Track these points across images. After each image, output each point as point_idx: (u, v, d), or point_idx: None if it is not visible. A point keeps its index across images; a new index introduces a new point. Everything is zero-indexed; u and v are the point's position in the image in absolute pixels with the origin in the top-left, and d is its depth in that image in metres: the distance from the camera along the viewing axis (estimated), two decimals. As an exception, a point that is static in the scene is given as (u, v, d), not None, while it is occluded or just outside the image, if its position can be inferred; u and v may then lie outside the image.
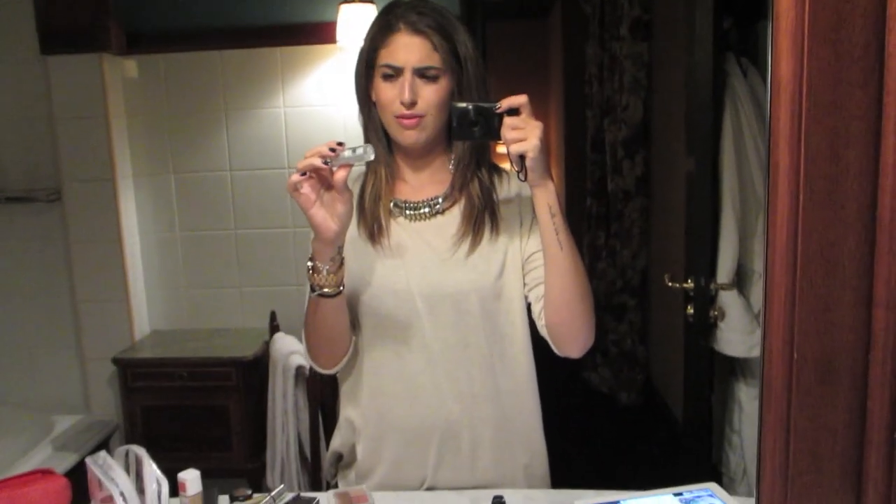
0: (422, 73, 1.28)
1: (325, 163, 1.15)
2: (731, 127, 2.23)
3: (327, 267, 1.24)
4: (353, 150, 1.16)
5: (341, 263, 1.26)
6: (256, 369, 2.67)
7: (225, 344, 2.81)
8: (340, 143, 1.15)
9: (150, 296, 2.96)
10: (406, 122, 1.29)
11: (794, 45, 0.59)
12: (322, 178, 1.18)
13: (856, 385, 0.62)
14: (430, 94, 1.28)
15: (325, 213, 1.19)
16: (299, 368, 2.46)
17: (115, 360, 2.69)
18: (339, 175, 1.16)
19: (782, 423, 0.64)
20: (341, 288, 1.28)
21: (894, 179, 0.59)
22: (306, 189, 1.17)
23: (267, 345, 2.68)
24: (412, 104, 1.28)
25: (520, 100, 1.20)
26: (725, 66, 2.26)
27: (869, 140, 0.59)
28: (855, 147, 0.59)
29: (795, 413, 0.63)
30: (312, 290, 1.28)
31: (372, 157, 1.17)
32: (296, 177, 1.16)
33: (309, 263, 1.26)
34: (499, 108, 1.21)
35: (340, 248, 1.25)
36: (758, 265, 2.30)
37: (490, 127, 1.21)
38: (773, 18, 0.60)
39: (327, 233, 1.20)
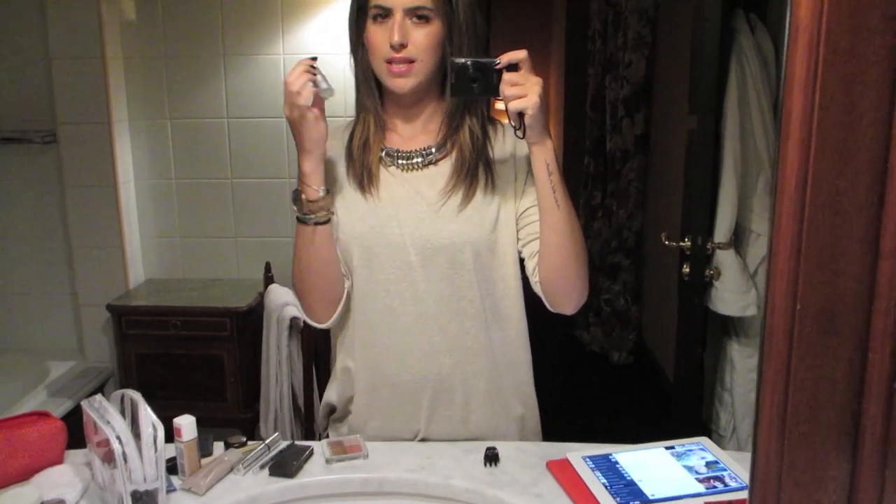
0: (412, 14, 1.25)
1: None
2: (736, 85, 2.21)
3: (315, 187, 1.27)
4: (324, 78, 1.23)
5: (327, 190, 1.29)
6: (251, 320, 2.67)
7: (219, 294, 2.81)
8: (314, 58, 1.23)
9: (144, 243, 2.95)
10: (395, 68, 1.27)
11: (813, -13, 0.57)
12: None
13: (857, 336, 0.62)
14: (420, 38, 1.26)
15: (314, 125, 1.24)
16: (293, 320, 2.46)
17: (110, 307, 2.69)
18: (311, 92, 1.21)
19: (782, 373, 0.64)
20: (331, 213, 1.31)
21: (908, 129, 0.58)
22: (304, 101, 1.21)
23: (261, 296, 2.68)
24: (401, 46, 1.25)
25: (519, 55, 1.18)
26: (734, 23, 2.22)
27: (884, 88, 0.58)
28: (869, 95, 0.58)
29: (795, 363, 0.63)
30: (304, 220, 1.29)
31: (331, 96, 1.23)
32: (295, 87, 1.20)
33: (296, 193, 1.29)
34: (498, 63, 1.18)
35: (323, 172, 1.28)
36: (756, 225, 2.29)
37: (489, 83, 1.19)
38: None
39: (316, 153, 1.25)
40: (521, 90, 1.17)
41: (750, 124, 2.24)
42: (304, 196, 1.28)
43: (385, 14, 1.26)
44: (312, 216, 1.29)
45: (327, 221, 1.30)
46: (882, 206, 0.60)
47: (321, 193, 1.28)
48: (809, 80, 0.58)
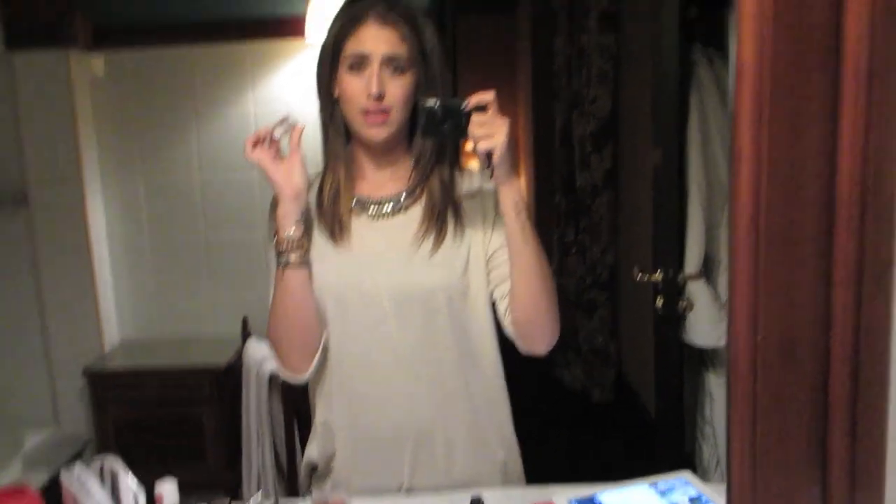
0: (389, 64, 1.27)
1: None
2: (697, 117, 2.26)
3: (290, 232, 1.28)
4: (279, 126, 1.28)
5: (304, 233, 1.30)
6: (230, 377, 2.64)
7: (197, 352, 2.78)
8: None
9: (119, 303, 2.92)
10: (372, 118, 1.29)
11: (756, 28, 0.60)
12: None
13: (818, 362, 0.63)
14: (396, 88, 1.28)
15: (285, 171, 1.26)
16: (273, 375, 2.44)
17: (86, 372, 2.65)
18: (292, 136, 1.27)
19: (748, 403, 0.65)
20: (304, 260, 1.31)
21: (852, 161, 0.60)
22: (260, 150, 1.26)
23: (240, 352, 2.66)
24: (380, 97, 1.27)
25: (487, 97, 1.20)
26: (692, 56, 2.28)
27: (827, 122, 0.60)
28: (814, 129, 0.60)
29: (761, 392, 0.64)
30: (279, 263, 1.30)
31: (297, 124, 1.28)
32: (249, 142, 1.26)
33: (274, 237, 1.31)
34: (466, 105, 1.21)
35: (302, 216, 1.30)
36: (724, 255, 2.32)
37: (458, 124, 1.22)
38: (736, 3, 0.61)
39: (289, 187, 1.26)
40: (489, 130, 1.19)
41: (713, 155, 2.28)
42: (275, 238, 1.30)
43: (362, 64, 1.28)
44: (283, 257, 1.29)
45: (300, 266, 1.30)
46: (832, 237, 0.61)
47: (288, 234, 1.29)
48: (756, 117, 0.60)
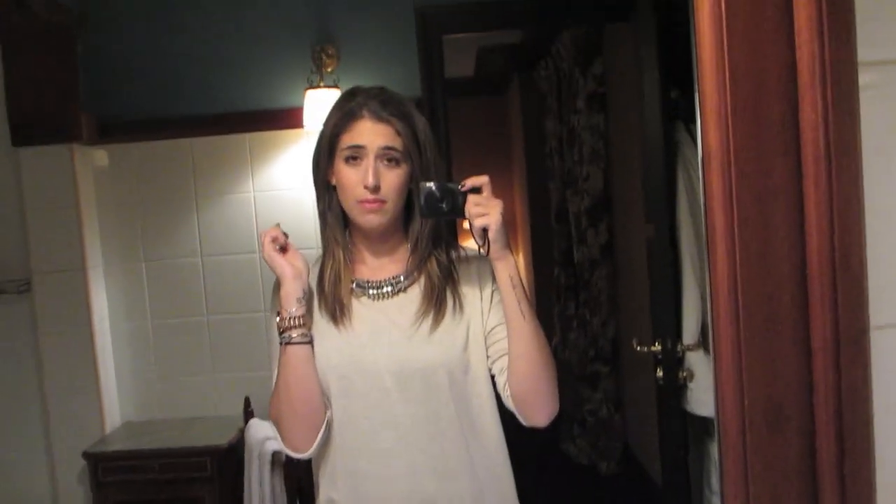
0: (384, 157, 1.33)
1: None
2: (685, 192, 2.32)
3: (293, 309, 1.33)
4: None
5: (305, 312, 1.35)
6: (232, 458, 2.63)
7: (199, 433, 2.78)
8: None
9: (121, 386, 2.93)
10: (369, 206, 1.34)
11: (718, 119, 0.65)
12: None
13: (803, 426, 0.67)
14: (392, 179, 1.34)
15: (283, 259, 1.34)
16: (275, 454, 2.44)
17: (86, 455, 2.64)
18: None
19: (740, 467, 0.67)
20: (309, 338, 1.35)
21: (819, 237, 0.65)
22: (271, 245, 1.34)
23: (242, 432, 2.66)
24: (376, 188, 1.32)
25: (482, 179, 1.28)
26: (676, 135, 2.37)
27: (793, 203, 0.65)
28: (781, 209, 0.65)
29: (751, 458, 0.67)
30: (282, 341, 1.33)
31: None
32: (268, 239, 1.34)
33: (277, 318, 1.35)
34: (463, 186, 1.28)
35: (305, 294, 1.35)
36: (722, 325, 2.35)
37: (455, 204, 1.29)
38: (699, 96, 0.67)
39: (290, 268, 1.33)
40: (484, 209, 1.26)
41: (703, 227, 2.34)
42: (278, 317, 1.34)
43: (358, 156, 1.34)
44: (285, 335, 1.33)
45: (301, 343, 1.34)
46: (807, 307, 0.65)
47: (290, 312, 1.33)
48: (726, 199, 0.65)
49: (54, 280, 2.77)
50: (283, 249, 1.35)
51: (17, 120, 2.71)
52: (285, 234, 1.36)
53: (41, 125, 2.71)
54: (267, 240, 1.33)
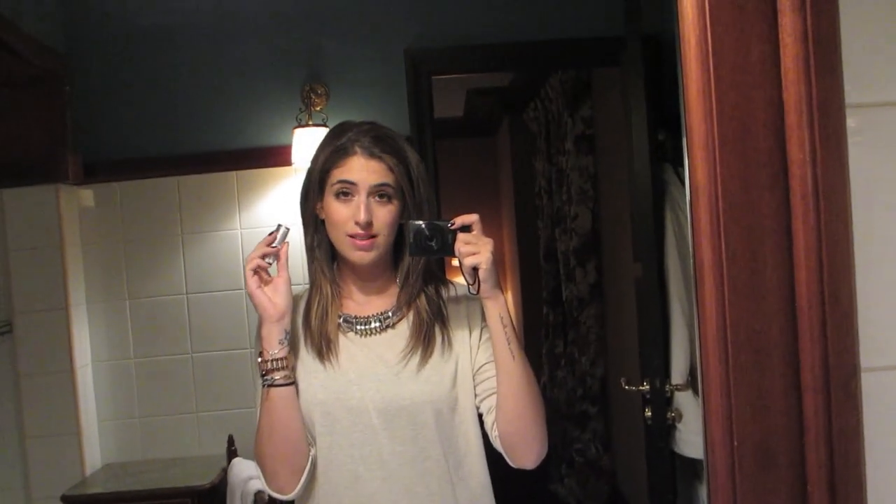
0: (376, 193, 1.32)
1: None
2: (672, 232, 2.33)
3: (274, 351, 1.30)
4: (273, 234, 1.33)
5: (289, 352, 1.32)
6: (214, 498, 2.58)
7: (181, 473, 2.72)
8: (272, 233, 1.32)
9: (102, 427, 2.87)
10: (360, 241, 1.32)
11: (706, 155, 0.65)
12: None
13: (794, 468, 0.65)
14: (383, 215, 1.33)
15: (269, 295, 1.30)
16: (258, 494, 2.38)
17: (64, 498, 2.58)
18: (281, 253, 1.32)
19: (730, 510, 0.66)
20: (292, 379, 1.32)
21: (808, 272, 0.64)
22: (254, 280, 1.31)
23: (225, 471, 2.61)
24: (368, 225, 1.31)
25: (471, 218, 1.27)
26: (664, 176, 2.38)
27: (781, 237, 0.65)
28: (769, 243, 0.65)
29: (741, 500, 0.65)
30: (263, 382, 1.31)
31: (289, 227, 1.33)
32: (249, 273, 1.30)
33: (259, 359, 1.32)
34: (452, 224, 1.27)
35: (287, 336, 1.32)
36: (711, 365, 2.34)
37: (444, 243, 1.28)
38: (686, 131, 0.67)
39: (273, 309, 1.29)
40: (475, 248, 1.25)
41: (692, 268, 2.34)
42: (259, 358, 1.32)
43: (349, 192, 1.33)
44: (268, 378, 1.30)
45: (284, 385, 1.31)
46: (797, 343, 0.65)
47: (273, 353, 1.30)
48: (714, 234, 0.65)
49: (36, 320, 2.72)
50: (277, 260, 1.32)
51: (2, 161, 2.68)
52: (276, 251, 1.32)
53: (28, 167, 2.69)
54: (249, 273, 1.30)
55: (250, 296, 1.30)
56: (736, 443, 0.65)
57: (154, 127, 2.91)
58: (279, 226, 1.33)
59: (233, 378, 2.87)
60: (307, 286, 1.44)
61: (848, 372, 0.67)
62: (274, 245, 1.32)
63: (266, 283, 1.31)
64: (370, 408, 1.33)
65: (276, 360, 1.31)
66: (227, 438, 2.67)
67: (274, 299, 1.30)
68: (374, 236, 1.33)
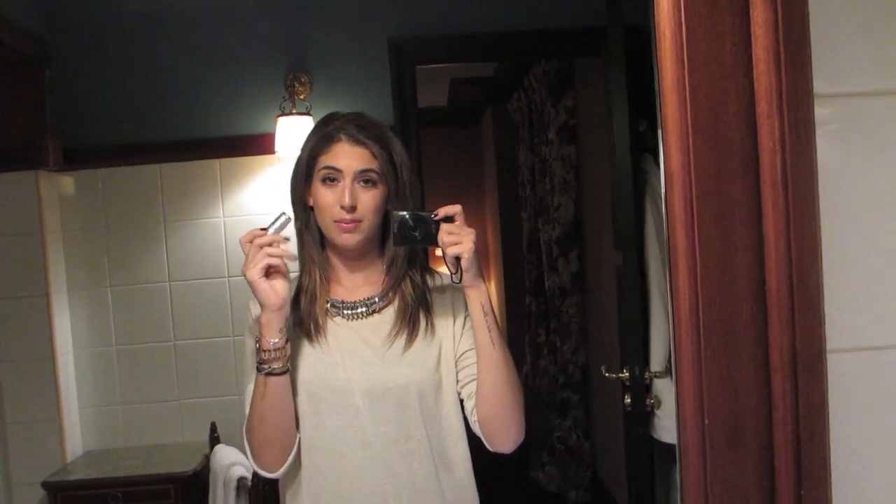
0: (361, 178, 1.35)
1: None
2: (652, 221, 2.36)
3: (275, 340, 1.30)
4: (273, 224, 1.30)
5: (287, 340, 1.33)
6: (197, 484, 2.59)
7: (163, 460, 2.73)
8: (264, 229, 1.29)
9: (83, 414, 2.87)
10: (345, 225, 1.35)
11: (680, 143, 0.67)
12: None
13: (762, 446, 0.68)
14: (368, 200, 1.36)
15: (269, 285, 1.28)
16: (241, 480, 2.41)
17: (45, 484, 2.58)
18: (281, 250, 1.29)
19: (700, 487, 0.68)
20: (288, 367, 1.33)
21: (777, 257, 0.67)
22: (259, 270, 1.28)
23: (207, 458, 2.62)
24: (352, 208, 1.34)
25: (455, 209, 1.31)
26: (644, 166, 2.41)
27: (752, 222, 0.67)
28: (740, 229, 0.67)
29: (710, 476, 0.68)
30: (260, 370, 1.31)
31: (291, 217, 1.32)
32: (263, 266, 1.28)
33: (256, 344, 1.32)
34: (436, 215, 1.30)
35: (286, 324, 1.32)
36: (689, 352, 2.37)
37: (428, 233, 1.30)
38: (661, 120, 0.69)
39: (275, 297, 1.28)
40: (457, 238, 1.28)
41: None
42: (258, 345, 1.32)
43: (335, 177, 1.36)
44: (266, 366, 1.32)
45: (282, 374, 1.33)
46: (766, 325, 0.67)
47: (271, 344, 1.31)
48: (688, 219, 0.67)
49: (16, 306, 2.71)
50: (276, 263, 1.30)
51: (-19, 147, 2.67)
52: (290, 254, 1.30)
53: (7, 153, 2.67)
54: (258, 268, 1.27)
55: (251, 284, 1.29)
56: (707, 421, 0.68)
57: (137, 114, 2.89)
58: (282, 213, 1.32)
59: (215, 365, 2.88)
60: (297, 273, 1.46)
61: (814, 353, 0.69)
62: (270, 233, 1.30)
63: (270, 275, 1.30)
64: (355, 389, 1.36)
65: (276, 349, 1.32)
66: (209, 425, 2.68)
67: (276, 288, 1.30)
68: (359, 220, 1.36)
